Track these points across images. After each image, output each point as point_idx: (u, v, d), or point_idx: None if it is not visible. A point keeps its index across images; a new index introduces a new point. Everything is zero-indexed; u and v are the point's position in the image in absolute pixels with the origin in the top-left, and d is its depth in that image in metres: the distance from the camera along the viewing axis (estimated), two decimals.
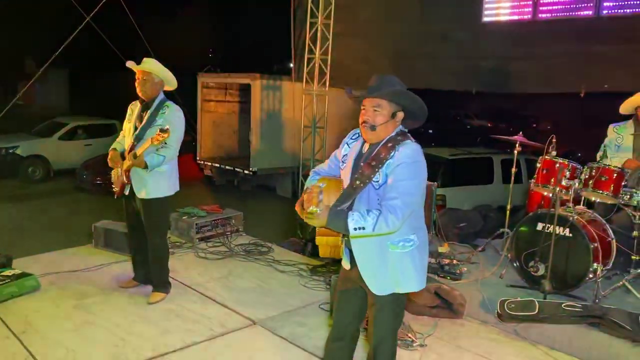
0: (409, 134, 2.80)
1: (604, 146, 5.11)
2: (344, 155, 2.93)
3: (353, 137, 2.96)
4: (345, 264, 2.96)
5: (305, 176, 9.15)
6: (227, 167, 13.24)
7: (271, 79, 12.76)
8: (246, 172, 12.68)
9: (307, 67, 8.87)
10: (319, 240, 2.83)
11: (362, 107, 2.79)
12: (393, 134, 2.77)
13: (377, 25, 8.88)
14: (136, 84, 4.53)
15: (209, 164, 13.54)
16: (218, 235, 6.46)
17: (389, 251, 2.75)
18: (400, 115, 2.77)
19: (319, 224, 2.68)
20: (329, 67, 8.79)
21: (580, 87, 7.04)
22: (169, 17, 19.50)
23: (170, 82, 4.68)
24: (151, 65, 4.52)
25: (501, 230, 5.71)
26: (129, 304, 4.67)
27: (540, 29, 7.12)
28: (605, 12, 6.32)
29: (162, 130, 4.16)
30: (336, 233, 2.73)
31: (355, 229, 2.58)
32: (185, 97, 13.52)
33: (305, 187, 2.93)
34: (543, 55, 7.17)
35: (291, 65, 12.18)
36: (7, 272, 4.87)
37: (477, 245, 5.93)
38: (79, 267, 5.46)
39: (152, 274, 4.78)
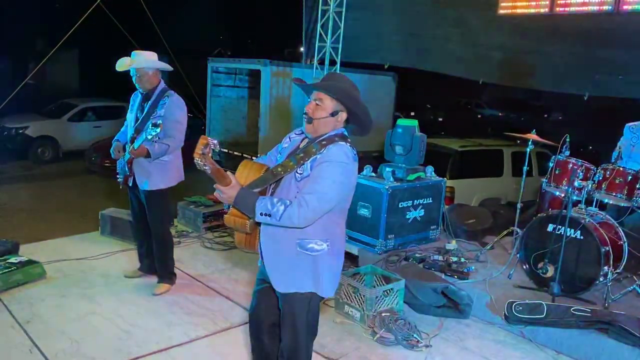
0: (348, 139, 2.70)
1: (619, 147, 5.00)
2: (284, 148, 2.87)
3: (297, 133, 2.88)
4: (260, 261, 2.83)
5: None
6: (235, 153, 13.18)
7: (281, 65, 12.64)
8: (254, 158, 12.62)
9: (318, 55, 8.74)
10: (227, 219, 2.70)
11: (309, 100, 2.73)
12: (332, 133, 2.69)
13: (391, 1, 8.72)
14: (133, 80, 4.49)
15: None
16: (224, 225, 6.42)
17: (297, 250, 2.66)
18: (343, 115, 2.71)
19: (227, 200, 2.57)
20: (339, 56, 8.66)
21: (585, 90, 6.93)
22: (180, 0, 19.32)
23: (165, 67, 4.61)
24: (141, 60, 4.43)
25: (511, 228, 5.63)
26: (134, 294, 4.66)
27: (553, 25, 6.98)
28: (625, 7, 6.15)
29: (154, 125, 4.18)
30: (243, 215, 2.61)
31: (261, 213, 2.50)
32: (195, 81, 13.49)
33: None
34: (552, 53, 7.05)
35: (302, 49, 12.10)
36: (14, 260, 4.88)
37: (485, 243, 5.85)
38: (85, 254, 5.46)
39: (157, 265, 4.77)
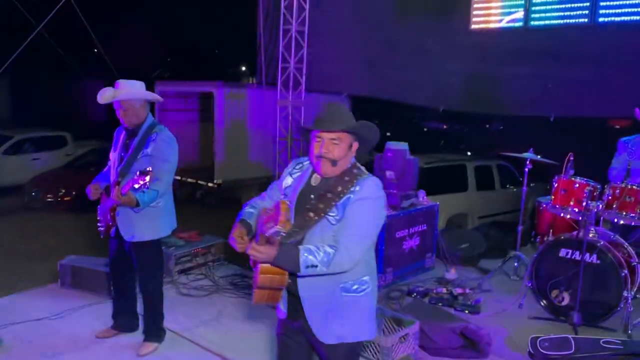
0: (362, 167, 2.58)
1: (629, 163, 4.81)
2: (287, 187, 2.64)
3: (297, 168, 2.68)
4: (280, 312, 2.66)
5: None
6: (188, 180, 12.56)
7: (235, 87, 12.24)
8: (210, 184, 12.08)
9: (282, 76, 8.33)
10: (262, 279, 2.40)
11: (317, 139, 2.48)
12: (349, 165, 2.53)
13: (348, 27, 8.47)
14: (118, 115, 3.90)
15: None
16: (199, 266, 5.85)
17: (342, 295, 2.49)
18: (356, 145, 2.55)
19: (266, 259, 2.32)
20: (304, 77, 8.29)
21: (551, 111, 6.87)
22: (119, 23, 18.42)
23: (155, 98, 4.10)
24: (128, 91, 3.87)
25: (513, 253, 5.36)
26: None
27: (517, 47, 6.88)
28: (600, 19, 6.09)
29: (142, 172, 3.47)
30: (281, 271, 2.38)
31: (307, 266, 2.31)
32: None
33: (240, 219, 2.64)
34: (516, 76, 6.96)
35: (242, 68, 11.71)
36: None
37: (482, 268, 5.57)
38: (46, 313, 4.73)
39: (146, 321, 4.18)
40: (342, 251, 2.33)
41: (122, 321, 4.34)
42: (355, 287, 2.49)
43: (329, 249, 2.33)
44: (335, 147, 2.44)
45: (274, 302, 2.56)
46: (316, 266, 2.31)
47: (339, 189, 2.43)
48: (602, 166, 5.64)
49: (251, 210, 2.69)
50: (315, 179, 2.56)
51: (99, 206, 4.01)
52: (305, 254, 2.30)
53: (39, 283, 5.72)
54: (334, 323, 2.49)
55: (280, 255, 2.30)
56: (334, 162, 2.44)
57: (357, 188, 2.42)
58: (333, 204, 2.41)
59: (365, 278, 2.52)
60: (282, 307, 2.61)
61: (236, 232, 2.54)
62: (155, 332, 4.16)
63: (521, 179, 10.59)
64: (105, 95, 3.83)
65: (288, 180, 2.65)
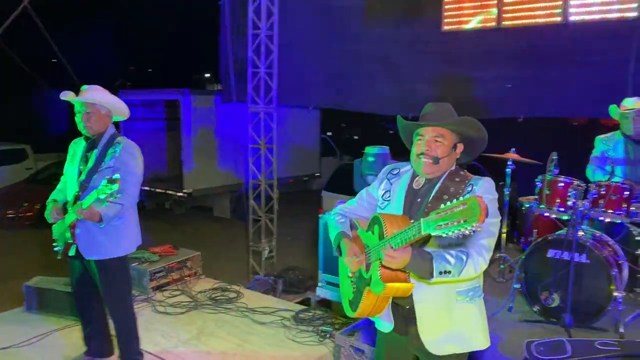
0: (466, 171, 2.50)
1: (611, 163, 4.76)
2: (386, 192, 2.57)
3: (393, 173, 2.62)
4: (384, 326, 2.55)
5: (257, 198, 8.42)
6: (157, 190, 12.24)
7: (203, 94, 12.03)
8: (179, 194, 11.80)
9: (253, 82, 8.11)
10: (388, 289, 2.24)
11: (419, 138, 2.44)
12: (453, 167, 2.46)
13: (313, 38, 8.31)
14: (77, 120, 3.65)
15: None
16: (175, 281, 5.60)
17: (456, 302, 2.39)
18: (461, 147, 2.46)
19: (398, 265, 2.17)
20: (275, 82, 8.10)
21: (520, 112, 6.86)
22: (79, 32, 17.91)
23: (121, 111, 3.85)
24: (95, 94, 3.66)
25: (497, 255, 5.28)
26: None
27: (485, 50, 6.85)
28: (572, 18, 6.08)
29: (110, 181, 3.24)
30: (406, 278, 2.28)
31: (440, 272, 2.19)
32: None
33: (341, 231, 2.63)
34: (485, 79, 6.93)
35: (207, 75, 11.39)
36: None
37: None
38: (11, 341, 4.41)
39: (120, 346, 3.90)
40: (473, 257, 2.23)
41: (95, 346, 4.06)
42: (470, 293, 2.41)
43: (461, 255, 2.21)
44: (438, 146, 2.38)
45: (377, 314, 2.48)
46: (449, 272, 2.18)
47: (452, 189, 2.35)
48: (567, 162, 5.62)
49: (342, 219, 2.69)
50: (418, 183, 2.49)
51: (53, 225, 3.73)
52: (438, 261, 2.19)
53: (1, 307, 5.40)
54: (447, 332, 2.41)
55: (414, 261, 2.16)
56: (435, 160, 2.36)
57: (474, 188, 2.34)
58: None
59: (477, 285, 2.45)
60: (385, 319, 2.52)
61: (352, 253, 2.49)
62: (131, 356, 3.90)
63: (492, 178, 10.76)
64: (68, 95, 3.57)
65: (386, 185, 2.60)
